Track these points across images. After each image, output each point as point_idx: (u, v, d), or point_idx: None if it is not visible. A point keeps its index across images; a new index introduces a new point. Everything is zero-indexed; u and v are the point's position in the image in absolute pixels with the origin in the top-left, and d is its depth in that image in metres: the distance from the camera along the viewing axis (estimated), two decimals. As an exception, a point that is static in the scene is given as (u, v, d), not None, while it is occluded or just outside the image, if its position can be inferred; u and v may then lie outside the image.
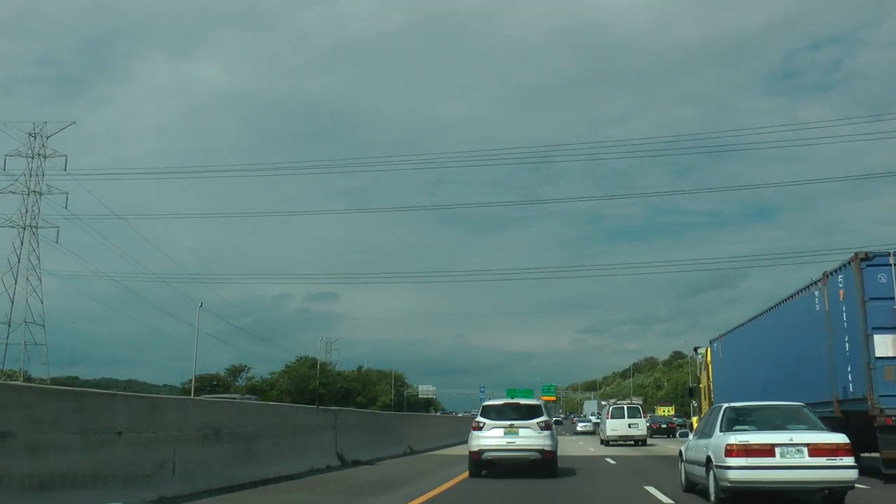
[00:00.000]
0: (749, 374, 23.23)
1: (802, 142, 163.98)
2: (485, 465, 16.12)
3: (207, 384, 77.59)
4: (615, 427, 35.13)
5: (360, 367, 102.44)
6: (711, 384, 29.58)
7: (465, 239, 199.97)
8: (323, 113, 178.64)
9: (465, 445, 17.24)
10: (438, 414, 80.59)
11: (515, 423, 16.09)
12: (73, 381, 68.28)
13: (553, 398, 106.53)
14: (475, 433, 16.28)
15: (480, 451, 16.00)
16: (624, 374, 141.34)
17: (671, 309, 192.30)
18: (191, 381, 58.98)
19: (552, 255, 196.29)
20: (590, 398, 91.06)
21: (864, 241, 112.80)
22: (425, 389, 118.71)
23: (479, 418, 16.54)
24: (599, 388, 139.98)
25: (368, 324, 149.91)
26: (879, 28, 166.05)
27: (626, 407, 37.03)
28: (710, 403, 27.63)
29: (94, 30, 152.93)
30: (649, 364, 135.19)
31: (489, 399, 18.33)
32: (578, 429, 60.15)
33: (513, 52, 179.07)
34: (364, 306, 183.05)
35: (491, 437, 16.04)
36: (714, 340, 29.26)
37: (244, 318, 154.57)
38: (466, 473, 16.33)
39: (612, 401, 43.37)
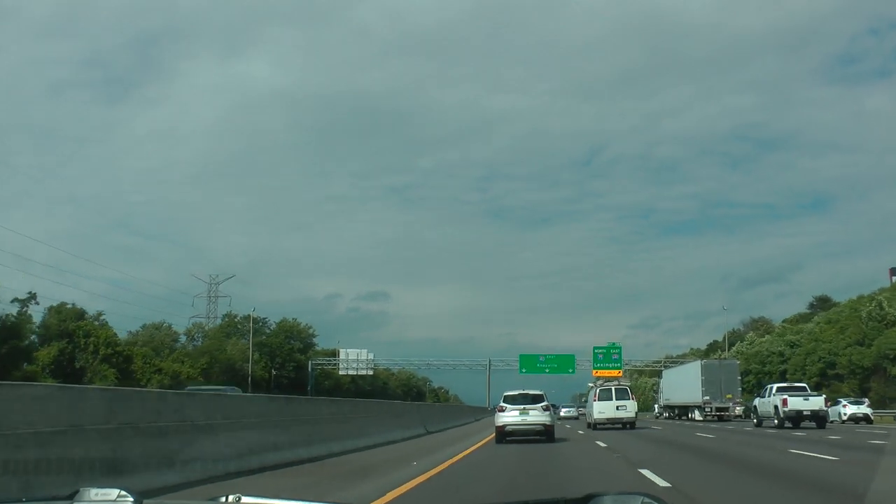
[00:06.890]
0: None
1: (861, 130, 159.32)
2: (507, 434, 23.45)
3: None
4: (602, 409, 34.13)
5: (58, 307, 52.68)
6: None
7: (515, 234, 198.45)
8: (375, 107, 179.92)
9: None
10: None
11: (527, 406, 23.45)
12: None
13: (617, 372, 74.65)
14: (500, 413, 23.63)
15: (504, 426, 23.40)
16: (712, 347, 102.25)
17: (723, 303, 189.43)
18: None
19: (603, 250, 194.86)
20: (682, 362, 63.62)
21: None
22: (355, 359, 74.88)
23: (502, 404, 23.92)
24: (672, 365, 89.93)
25: (417, 322, 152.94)
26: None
27: (613, 389, 35.19)
28: None
29: (142, 30, 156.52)
30: (763, 324, 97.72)
31: (507, 391, 25.61)
32: (562, 414, 59.72)
33: (571, 42, 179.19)
34: (413, 304, 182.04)
35: (510, 416, 23.34)
36: None
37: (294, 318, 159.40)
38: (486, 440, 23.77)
39: (599, 382, 42.20)
